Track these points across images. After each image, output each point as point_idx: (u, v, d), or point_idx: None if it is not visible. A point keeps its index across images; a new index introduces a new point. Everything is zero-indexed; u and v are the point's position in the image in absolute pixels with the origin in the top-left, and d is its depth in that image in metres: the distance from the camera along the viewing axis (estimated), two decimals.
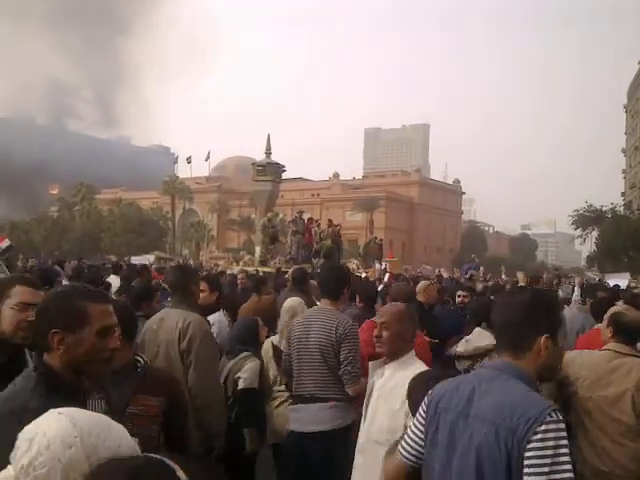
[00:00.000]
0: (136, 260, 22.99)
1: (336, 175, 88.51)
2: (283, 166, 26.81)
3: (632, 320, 3.55)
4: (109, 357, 1.99)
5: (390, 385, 3.07)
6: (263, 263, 20.50)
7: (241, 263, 21.97)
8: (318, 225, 22.94)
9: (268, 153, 26.08)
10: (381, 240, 27.70)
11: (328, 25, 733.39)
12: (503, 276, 25.57)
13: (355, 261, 24.26)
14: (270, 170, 25.86)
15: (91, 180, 71.39)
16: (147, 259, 25.37)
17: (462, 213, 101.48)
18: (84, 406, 1.84)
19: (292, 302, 5.05)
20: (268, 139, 26.11)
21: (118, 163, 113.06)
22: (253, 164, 28.13)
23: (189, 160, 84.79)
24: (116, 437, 1.32)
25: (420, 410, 2.09)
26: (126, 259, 25.44)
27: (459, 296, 7.70)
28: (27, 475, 1.23)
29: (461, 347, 5.04)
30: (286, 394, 4.51)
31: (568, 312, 7.18)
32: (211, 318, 5.08)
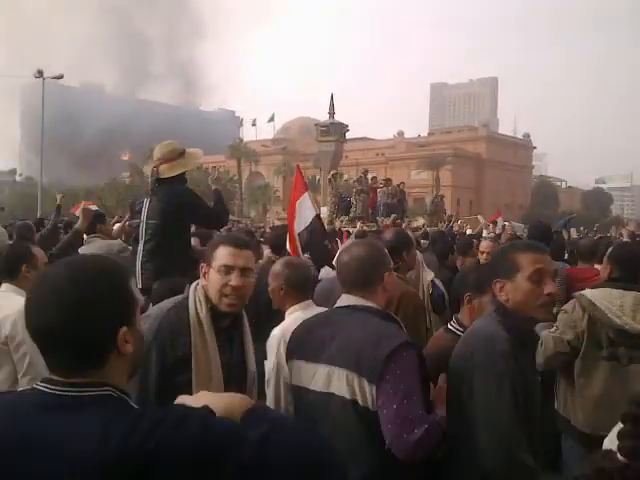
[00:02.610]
0: None
1: (401, 133, 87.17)
2: (347, 126, 26.62)
3: None
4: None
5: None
6: (330, 222, 20.59)
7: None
8: (387, 183, 22.74)
9: (332, 113, 25.94)
10: (440, 196, 27.33)
11: None
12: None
13: (422, 219, 24.06)
14: (334, 130, 25.76)
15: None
16: None
17: (533, 168, 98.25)
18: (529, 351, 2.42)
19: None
20: (331, 99, 25.90)
21: (186, 128, 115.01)
22: (316, 125, 28.06)
23: (254, 123, 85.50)
24: None
25: None
26: None
27: None
28: None
29: None
30: None
31: None
32: None
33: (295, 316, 3.29)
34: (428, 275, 5.25)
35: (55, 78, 36.52)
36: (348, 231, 11.54)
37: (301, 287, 3.44)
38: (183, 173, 4.59)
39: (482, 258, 5.68)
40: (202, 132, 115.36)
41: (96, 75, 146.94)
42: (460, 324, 2.94)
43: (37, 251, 3.58)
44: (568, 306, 3.56)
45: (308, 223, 5.80)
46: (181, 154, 4.57)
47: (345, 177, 25.57)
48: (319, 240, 5.79)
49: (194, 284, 2.48)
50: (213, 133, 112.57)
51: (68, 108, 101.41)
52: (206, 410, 1.24)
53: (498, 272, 2.38)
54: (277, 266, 3.52)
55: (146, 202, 4.52)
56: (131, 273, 1.38)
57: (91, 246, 5.61)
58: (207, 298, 2.39)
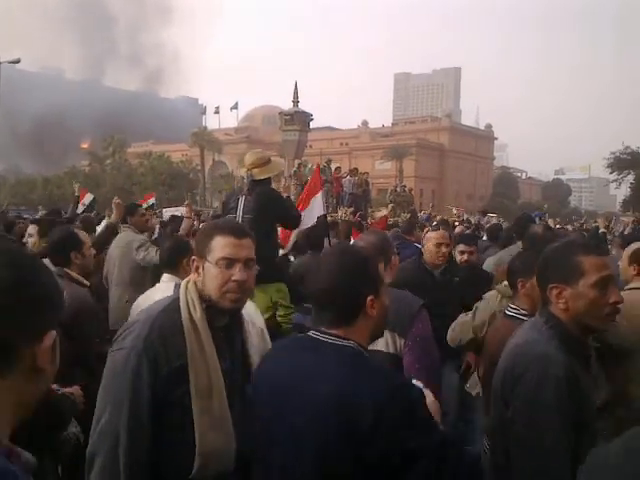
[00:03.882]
0: (168, 212, 23.02)
1: (365, 123, 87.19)
2: (311, 114, 26.41)
3: None
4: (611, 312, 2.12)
5: None
6: None
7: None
8: (354, 173, 22.59)
9: (296, 102, 25.75)
10: (404, 187, 27.20)
11: None
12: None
13: (384, 210, 24.00)
14: (298, 119, 25.55)
15: (121, 134, 71.43)
16: (179, 211, 25.28)
17: (494, 159, 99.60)
18: (587, 363, 2.16)
19: None
20: (295, 87, 25.67)
21: (147, 116, 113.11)
22: (280, 113, 27.81)
23: (217, 110, 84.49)
24: None
25: None
26: (158, 211, 25.65)
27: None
28: None
29: None
30: None
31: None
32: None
33: None
34: None
35: (12, 63, 35.39)
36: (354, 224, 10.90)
37: None
38: (269, 177, 5.40)
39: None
40: (163, 119, 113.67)
41: (57, 60, 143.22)
42: (520, 308, 3.10)
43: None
44: (491, 294, 3.82)
45: (314, 220, 6.88)
46: (269, 160, 5.38)
47: (309, 166, 25.21)
48: (319, 235, 6.74)
49: (184, 281, 2.23)
50: (175, 120, 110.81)
51: (25, 94, 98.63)
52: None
53: (553, 276, 2.14)
54: None
55: (241, 200, 5.19)
56: (379, 257, 1.91)
57: (117, 238, 6.03)
58: (200, 296, 2.14)
